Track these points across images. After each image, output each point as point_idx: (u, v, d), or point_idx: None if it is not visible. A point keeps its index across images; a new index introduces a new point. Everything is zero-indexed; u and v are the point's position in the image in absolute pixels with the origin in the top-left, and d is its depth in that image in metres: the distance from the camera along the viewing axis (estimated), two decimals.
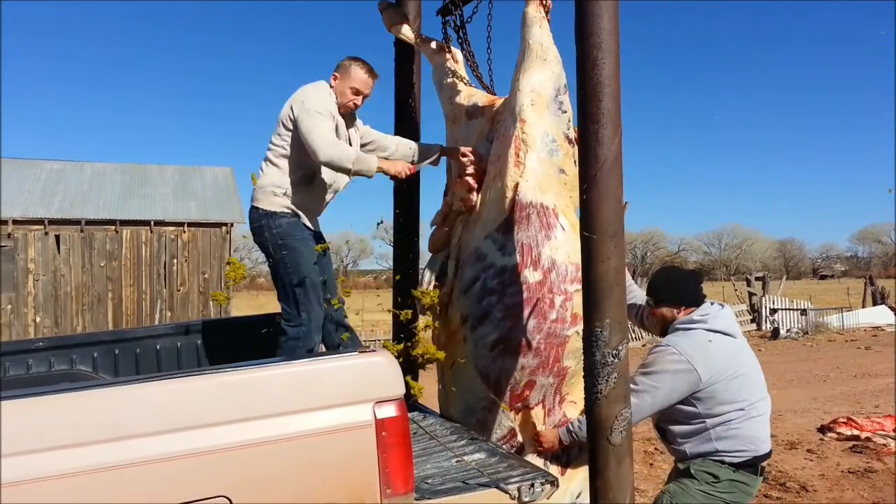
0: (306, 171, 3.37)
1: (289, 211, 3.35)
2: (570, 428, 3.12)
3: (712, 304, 3.11)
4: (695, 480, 2.89)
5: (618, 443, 2.51)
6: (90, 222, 16.44)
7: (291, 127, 3.30)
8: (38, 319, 15.93)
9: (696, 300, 3.09)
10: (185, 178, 18.97)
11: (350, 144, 3.47)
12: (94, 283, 16.40)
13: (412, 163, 3.68)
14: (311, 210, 3.47)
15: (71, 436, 1.76)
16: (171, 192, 18.15)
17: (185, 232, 17.14)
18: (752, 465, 2.91)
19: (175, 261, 17.11)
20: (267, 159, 3.40)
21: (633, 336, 19.81)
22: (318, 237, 3.54)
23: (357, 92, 3.46)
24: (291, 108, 3.30)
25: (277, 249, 3.33)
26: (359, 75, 3.45)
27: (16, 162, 17.86)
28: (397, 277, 4.23)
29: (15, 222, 15.81)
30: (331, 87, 3.44)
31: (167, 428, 1.83)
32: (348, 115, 3.52)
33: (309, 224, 3.44)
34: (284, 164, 3.35)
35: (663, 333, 3.15)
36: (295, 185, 3.35)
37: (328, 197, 3.56)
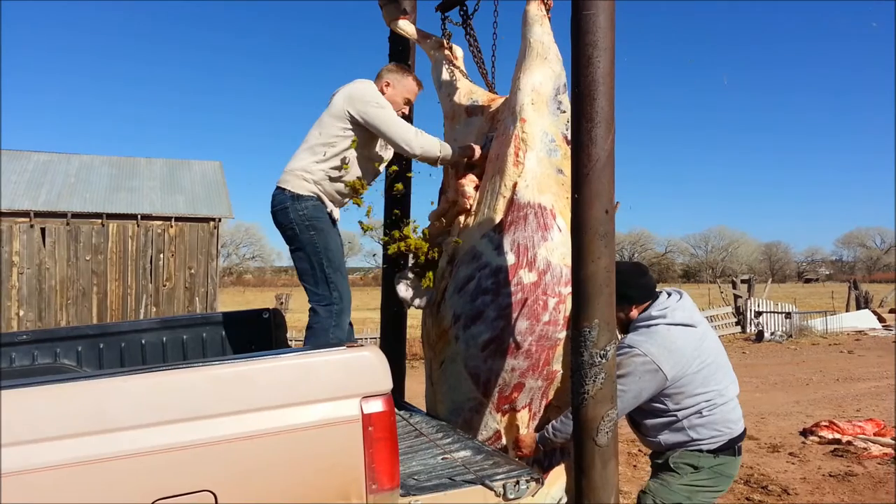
0: (341, 164, 3.40)
1: (314, 195, 3.37)
2: (546, 434, 3.10)
3: (669, 294, 3.08)
4: (675, 474, 2.91)
5: (604, 444, 2.50)
6: (76, 215, 16.27)
7: (344, 121, 3.33)
8: (21, 313, 15.75)
9: (647, 293, 3.05)
10: (174, 171, 18.81)
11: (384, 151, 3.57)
12: (80, 276, 16.24)
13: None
14: (336, 201, 3.50)
15: (54, 428, 1.74)
16: (159, 186, 18.00)
17: (172, 226, 17.01)
18: (729, 447, 2.94)
19: (161, 255, 16.98)
20: (304, 146, 3.42)
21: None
22: (337, 227, 3.57)
23: (408, 102, 3.59)
24: (352, 104, 3.32)
25: (304, 230, 3.35)
26: (412, 86, 3.58)
27: (2, 153, 17.66)
28: (385, 265, 4.21)
29: (0, 214, 15.63)
30: (382, 93, 3.47)
31: (151, 421, 1.82)
32: None
33: (332, 213, 3.47)
34: (321, 152, 3.37)
35: (624, 332, 3.11)
36: (325, 174, 3.38)
37: (353, 194, 3.59)
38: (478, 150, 3.59)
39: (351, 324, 3.71)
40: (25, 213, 15.88)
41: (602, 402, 2.51)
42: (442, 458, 2.77)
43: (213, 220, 17.42)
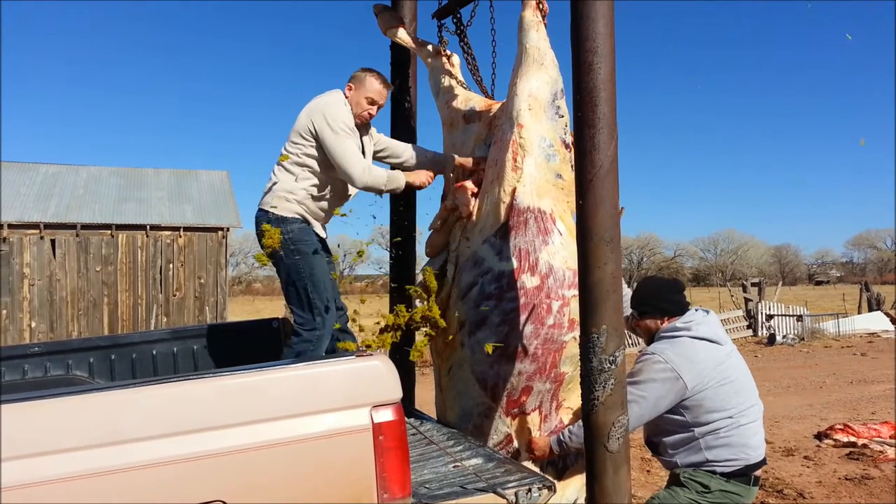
0: (320, 181, 3.40)
1: (300, 217, 3.37)
2: (561, 438, 3.11)
3: (696, 310, 3.10)
4: (685, 489, 2.86)
5: (615, 449, 2.50)
6: (86, 227, 16.37)
7: (310, 138, 3.34)
8: (33, 324, 15.85)
9: (680, 309, 3.08)
10: (181, 182, 18.92)
11: (364, 154, 3.52)
12: (90, 287, 16.33)
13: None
14: (321, 218, 3.51)
15: (67, 440, 1.75)
16: (167, 196, 18.11)
17: (181, 236, 17.09)
18: (745, 475, 2.87)
19: (171, 265, 17.06)
20: (280, 165, 3.42)
21: (630, 342, 19.82)
22: (325, 244, 3.57)
23: (372, 102, 3.51)
24: (312, 121, 3.33)
25: (290, 254, 3.34)
26: (374, 86, 3.50)
27: (12, 166, 17.81)
28: (393, 279, 4.22)
29: (10, 226, 15.75)
30: (345, 96, 3.47)
31: (162, 432, 1.82)
32: (362, 124, 3.55)
33: (319, 231, 3.48)
34: (298, 171, 3.38)
35: (650, 343, 3.13)
36: (307, 193, 3.38)
37: (337, 206, 3.60)
38: (428, 178, 3.59)
39: (352, 335, 3.74)
40: (35, 226, 15.99)
41: (612, 407, 2.50)
42: (453, 466, 2.77)
43: (222, 229, 17.50)
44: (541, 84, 3.41)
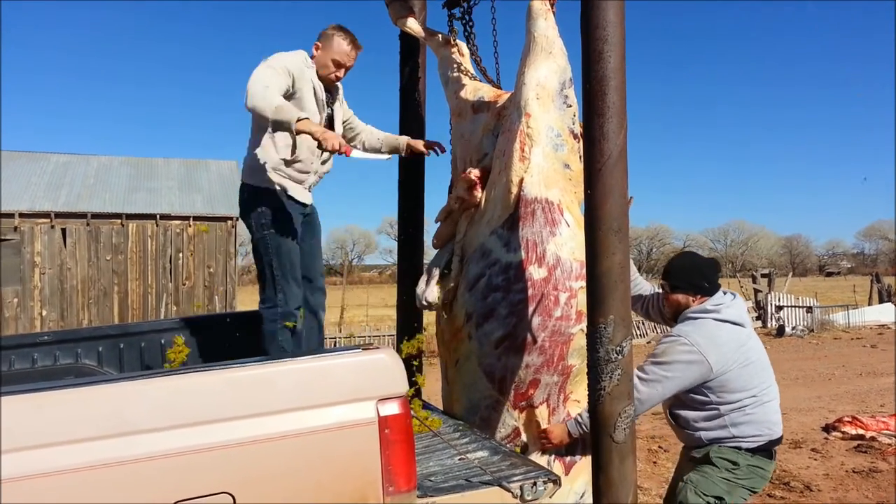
0: (285, 142, 3.27)
1: (275, 186, 3.29)
2: (580, 420, 3.12)
3: (725, 293, 3.14)
4: (715, 468, 2.93)
5: (621, 440, 2.49)
6: (96, 216, 16.44)
7: None
8: (44, 313, 15.96)
9: (712, 289, 3.11)
10: (191, 171, 18.96)
11: (333, 119, 3.46)
12: (100, 276, 16.42)
13: (376, 150, 3.83)
14: (301, 180, 3.39)
15: (76, 431, 1.76)
16: (177, 186, 18.15)
17: (190, 226, 17.15)
18: (767, 450, 2.97)
19: (181, 255, 17.12)
20: (252, 135, 3.36)
21: (638, 333, 19.79)
22: (307, 213, 3.48)
23: (339, 64, 3.36)
24: None
25: (259, 228, 3.28)
26: (341, 46, 3.33)
27: (23, 155, 17.90)
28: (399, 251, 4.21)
29: (21, 215, 15.83)
30: (312, 57, 3.34)
31: (170, 424, 1.83)
32: (333, 89, 3.46)
33: (297, 196, 3.37)
34: (264, 137, 3.29)
35: (674, 319, 3.17)
36: (278, 157, 3.29)
37: (315, 169, 3.46)
38: (338, 140, 3.01)
39: (321, 322, 3.67)
40: (46, 215, 16.07)
41: (619, 398, 2.50)
42: (459, 459, 2.77)
43: (231, 219, 17.53)
44: (549, 73, 3.38)
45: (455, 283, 3.54)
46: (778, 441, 3.02)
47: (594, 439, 2.56)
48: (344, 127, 3.66)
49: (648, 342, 18.96)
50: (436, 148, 3.92)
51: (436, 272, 3.65)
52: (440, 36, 4.07)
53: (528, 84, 3.36)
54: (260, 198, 3.28)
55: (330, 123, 3.50)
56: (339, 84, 3.56)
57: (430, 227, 4.01)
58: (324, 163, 3.51)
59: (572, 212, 3.36)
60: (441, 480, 2.49)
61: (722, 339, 2.94)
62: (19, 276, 15.83)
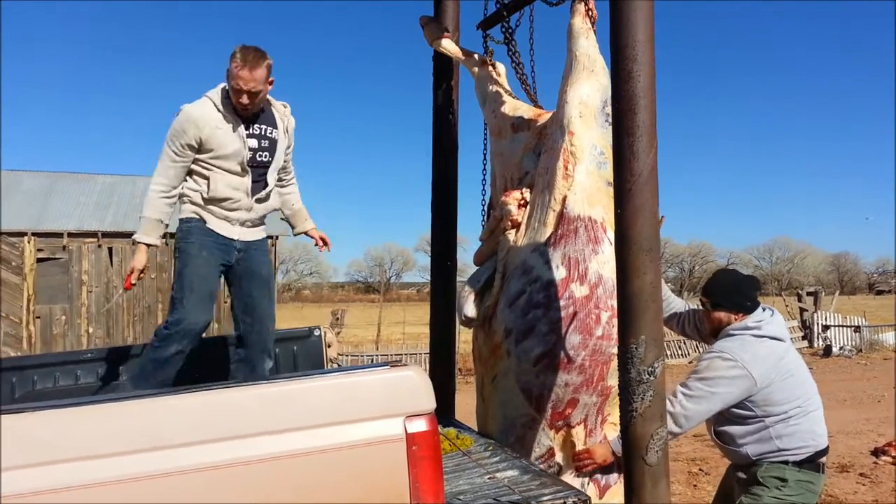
0: (204, 181, 3.23)
1: (196, 216, 3.24)
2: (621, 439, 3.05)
3: (763, 309, 3.11)
4: (764, 488, 2.89)
5: (654, 462, 2.46)
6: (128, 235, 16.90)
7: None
8: (91, 330, 16.40)
9: (753, 306, 3.09)
10: None
11: (275, 146, 3.33)
12: (145, 294, 16.83)
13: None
14: (224, 216, 3.27)
15: (110, 445, 1.81)
16: None
17: None
18: (813, 462, 2.92)
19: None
20: None
21: (680, 352, 19.45)
22: (236, 246, 3.32)
23: (236, 90, 3.10)
24: None
25: (175, 252, 3.26)
26: (232, 72, 3.09)
27: (71, 176, 18.52)
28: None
29: (70, 235, 16.36)
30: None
31: (202, 439, 1.86)
32: (270, 116, 3.32)
33: (218, 229, 3.26)
34: (189, 176, 3.25)
35: (713, 336, 3.15)
36: (198, 194, 3.24)
37: (246, 206, 3.31)
38: (136, 268, 3.28)
39: (273, 359, 3.51)
40: (93, 234, 16.57)
41: (651, 419, 2.47)
42: (488, 478, 2.76)
43: (271, 237, 17.82)
44: (591, 91, 3.40)
45: (495, 299, 3.54)
46: (824, 452, 2.98)
47: (626, 462, 2.53)
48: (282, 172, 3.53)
49: (690, 362, 18.59)
50: (322, 244, 3.69)
51: (475, 288, 3.67)
52: (476, 56, 4.12)
53: (570, 102, 3.38)
54: (182, 224, 3.25)
55: (271, 148, 3.35)
56: (276, 111, 3.39)
57: (467, 245, 4.02)
58: (259, 201, 3.36)
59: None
60: (470, 499, 2.49)
61: (762, 353, 2.94)
62: (67, 294, 16.31)
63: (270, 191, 3.39)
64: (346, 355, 17.33)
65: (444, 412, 3.88)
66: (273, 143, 3.34)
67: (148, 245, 3.24)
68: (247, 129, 3.25)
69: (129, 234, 16.43)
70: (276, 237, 17.96)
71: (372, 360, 18.63)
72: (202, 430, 1.89)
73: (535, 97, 3.98)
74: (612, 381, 3.23)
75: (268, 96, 3.31)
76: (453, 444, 3.17)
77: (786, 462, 2.90)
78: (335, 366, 3.88)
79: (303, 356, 3.74)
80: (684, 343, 19.79)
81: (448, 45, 4.14)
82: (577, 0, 3.44)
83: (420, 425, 2.05)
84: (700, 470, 7.00)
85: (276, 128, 3.36)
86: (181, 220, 3.26)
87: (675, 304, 3.50)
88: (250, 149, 3.24)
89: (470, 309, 3.59)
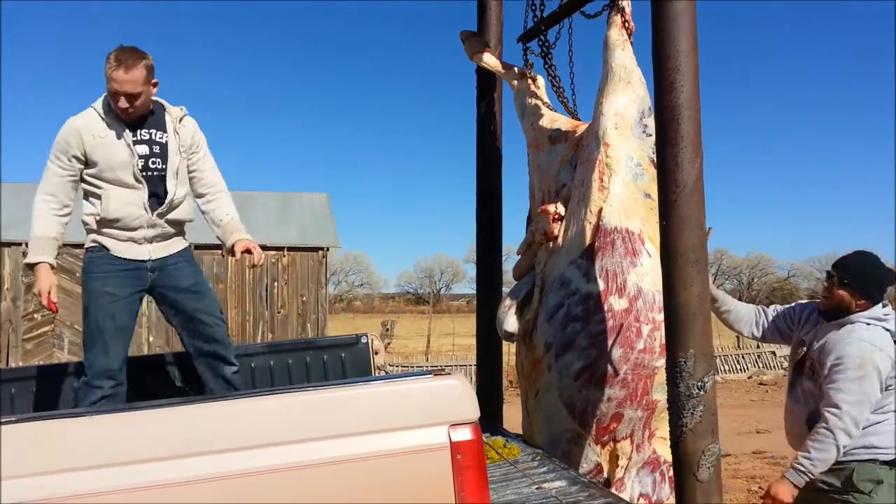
0: (98, 200, 3.05)
1: (96, 245, 3.07)
2: (798, 468, 2.85)
3: (885, 305, 3.03)
4: (861, 494, 2.78)
5: (705, 479, 2.42)
6: (199, 247, 17.30)
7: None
8: (151, 339, 16.96)
9: (878, 299, 3.01)
10: (286, 204, 19.81)
11: (167, 150, 3.12)
12: None
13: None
14: (127, 238, 3.08)
15: (160, 449, 1.88)
16: (274, 218, 18.99)
17: (284, 256, 17.86)
18: None
19: (276, 284, 17.83)
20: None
21: (738, 367, 18.93)
22: (148, 266, 3.13)
23: (113, 93, 2.94)
24: None
25: (82, 288, 3.10)
26: (107, 74, 2.92)
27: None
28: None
29: None
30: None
31: (247, 445, 1.92)
32: (159, 120, 3.13)
33: (123, 254, 3.08)
34: (83, 198, 3.12)
35: (823, 313, 3.05)
36: (94, 217, 3.06)
37: (149, 222, 3.11)
38: (44, 289, 2.99)
39: (233, 360, 3.33)
40: None
41: (702, 435, 2.43)
42: (536, 489, 2.75)
43: (322, 249, 18.14)
44: (628, 102, 3.38)
45: (534, 313, 3.54)
46: None
47: (677, 478, 2.49)
48: (192, 178, 3.29)
49: (749, 377, 18.05)
50: (246, 255, 3.47)
51: (515, 302, 3.67)
52: (516, 69, 4.14)
53: (606, 114, 3.37)
54: (86, 256, 3.10)
55: (162, 153, 3.13)
56: (168, 114, 3.19)
57: (510, 257, 4.03)
58: (161, 215, 3.14)
59: (654, 242, 3.30)
60: None
61: (890, 349, 2.89)
62: None
63: (173, 200, 3.16)
64: (397, 366, 17.45)
65: (491, 421, 3.88)
66: (164, 148, 3.12)
67: (49, 265, 3.02)
68: (133, 135, 3.06)
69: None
70: (327, 249, 18.27)
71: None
72: (247, 435, 1.94)
73: (572, 109, 3.98)
74: (657, 395, 3.19)
75: (161, 101, 3.17)
76: (500, 453, 3.18)
77: (876, 461, 2.81)
78: (382, 373, 3.94)
79: (350, 363, 3.80)
80: (742, 358, 19.24)
81: (488, 59, 4.18)
82: (614, 12, 3.44)
83: (464, 434, 2.06)
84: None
85: (166, 131, 3.15)
86: (85, 250, 3.09)
87: (743, 310, 3.37)
88: (140, 156, 3.05)
89: (510, 324, 3.60)
